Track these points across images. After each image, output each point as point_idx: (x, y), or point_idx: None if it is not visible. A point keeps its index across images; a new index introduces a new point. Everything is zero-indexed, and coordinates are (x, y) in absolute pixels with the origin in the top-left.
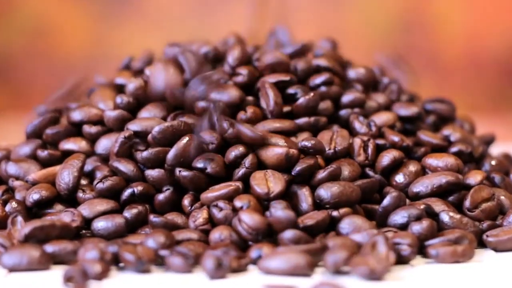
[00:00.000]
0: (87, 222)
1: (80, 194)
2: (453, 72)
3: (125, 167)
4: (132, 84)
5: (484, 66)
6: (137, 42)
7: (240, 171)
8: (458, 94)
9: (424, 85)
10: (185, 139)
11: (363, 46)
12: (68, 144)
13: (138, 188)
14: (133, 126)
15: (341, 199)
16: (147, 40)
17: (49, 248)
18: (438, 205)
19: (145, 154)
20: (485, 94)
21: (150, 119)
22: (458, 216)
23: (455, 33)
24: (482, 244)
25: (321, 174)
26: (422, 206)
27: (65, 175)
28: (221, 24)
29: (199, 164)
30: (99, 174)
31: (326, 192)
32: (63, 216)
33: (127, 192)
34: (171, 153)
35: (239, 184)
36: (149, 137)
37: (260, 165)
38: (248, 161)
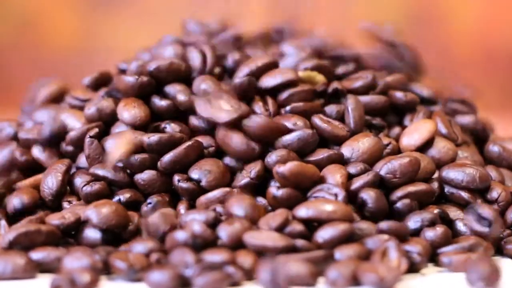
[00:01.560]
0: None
1: (67, 206)
2: (465, 68)
3: (108, 172)
4: (105, 103)
5: (498, 61)
6: (127, 34)
7: (243, 180)
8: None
9: (436, 81)
10: (185, 145)
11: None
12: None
13: (125, 195)
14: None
15: (380, 209)
16: (137, 31)
17: (35, 255)
18: (452, 211)
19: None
20: (499, 90)
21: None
22: None
23: (468, 27)
24: (500, 252)
25: (365, 178)
26: (436, 211)
27: (49, 179)
28: (214, 16)
29: (194, 174)
30: (82, 180)
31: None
32: None
33: (113, 200)
34: (168, 157)
35: (236, 190)
36: (145, 145)
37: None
38: (254, 171)
